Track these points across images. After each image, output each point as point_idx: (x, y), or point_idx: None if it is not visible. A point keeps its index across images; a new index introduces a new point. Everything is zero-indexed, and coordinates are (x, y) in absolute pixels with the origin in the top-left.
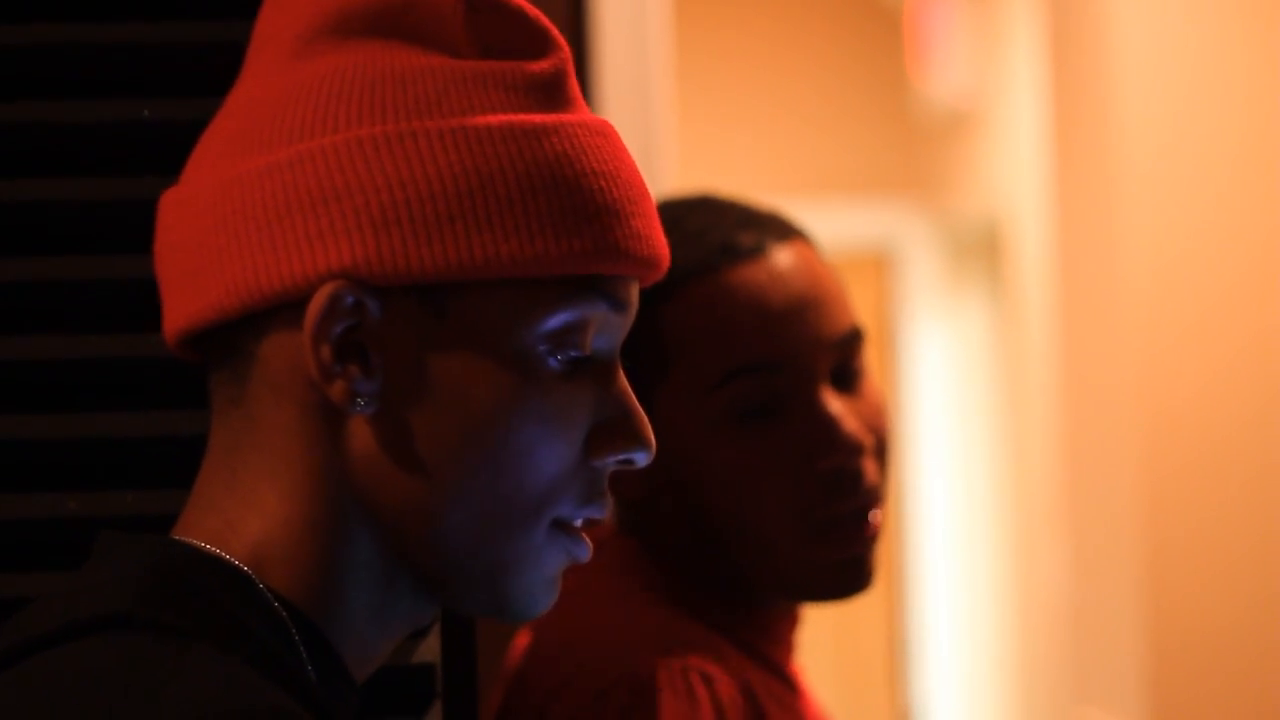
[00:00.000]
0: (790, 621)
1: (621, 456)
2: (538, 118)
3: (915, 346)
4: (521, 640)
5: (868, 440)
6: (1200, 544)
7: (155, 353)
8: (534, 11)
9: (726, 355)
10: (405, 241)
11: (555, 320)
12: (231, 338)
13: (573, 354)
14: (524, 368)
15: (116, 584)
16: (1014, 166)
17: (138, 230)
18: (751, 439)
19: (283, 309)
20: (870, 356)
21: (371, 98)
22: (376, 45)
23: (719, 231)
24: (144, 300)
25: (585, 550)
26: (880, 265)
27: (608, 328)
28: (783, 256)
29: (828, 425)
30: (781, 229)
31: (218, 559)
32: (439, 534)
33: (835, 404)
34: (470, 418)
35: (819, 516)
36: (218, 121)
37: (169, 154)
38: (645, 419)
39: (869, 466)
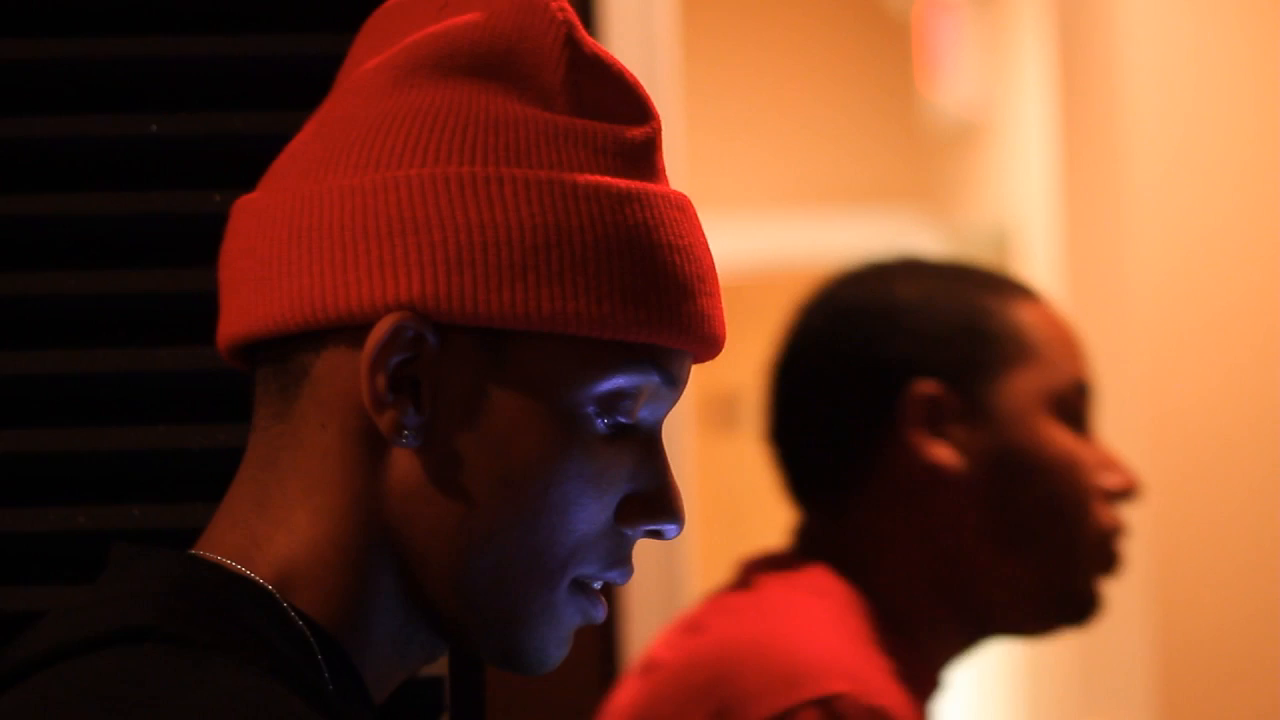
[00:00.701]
0: (933, 682)
1: (653, 527)
2: (623, 183)
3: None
4: (676, 636)
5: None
6: (1208, 553)
7: (163, 367)
8: (633, 78)
9: (1078, 368)
10: (475, 283)
11: (609, 384)
12: (287, 352)
13: (620, 419)
14: (571, 425)
15: (138, 597)
16: (1022, 178)
17: (147, 245)
18: (1072, 442)
19: (343, 331)
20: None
21: (464, 138)
22: (475, 86)
23: (995, 273)
24: (151, 315)
25: (601, 612)
26: None
27: (657, 399)
28: (1027, 312)
29: (1109, 450)
30: (1020, 288)
31: (241, 575)
32: (462, 575)
33: (1066, 439)
34: (512, 465)
35: (1107, 529)
36: (305, 135)
37: (174, 168)
38: (680, 494)
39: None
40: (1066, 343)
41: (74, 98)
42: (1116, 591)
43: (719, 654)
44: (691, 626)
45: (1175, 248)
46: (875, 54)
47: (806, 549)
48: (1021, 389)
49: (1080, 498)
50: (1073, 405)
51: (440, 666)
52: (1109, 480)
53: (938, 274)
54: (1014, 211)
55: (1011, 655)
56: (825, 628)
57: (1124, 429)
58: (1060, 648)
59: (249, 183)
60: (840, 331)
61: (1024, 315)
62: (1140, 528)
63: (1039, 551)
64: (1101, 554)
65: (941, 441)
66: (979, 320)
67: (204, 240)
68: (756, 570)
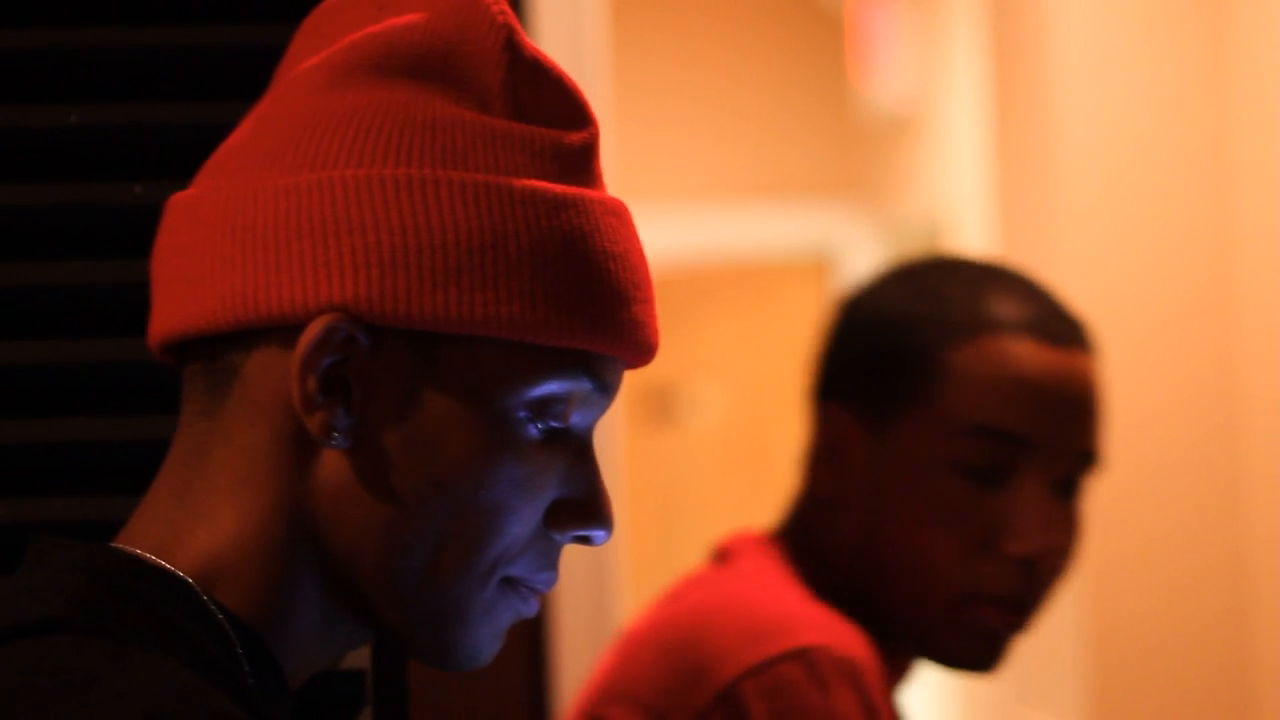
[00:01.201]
0: (901, 667)
1: (581, 532)
2: (559, 188)
3: (1067, 467)
4: (653, 610)
5: (1052, 552)
6: (1142, 548)
7: (84, 359)
8: (572, 83)
9: (985, 410)
10: (409, 286)
11: (541, 389)
12: (217, 350)
13: (552, 424)
14: (502, 429)
15: (54, 589)
16: (955, 170)
17: (66, 237)
18: (962, 495)
19: (275, 331)
20: (810, 359)
21: (400, 139)
22: (413, 88)
23: (1042, 307)
24: (72, 306)
25: (534, 608)
26: (821, 269)
27: (589, 405)
28: (1079, 359)
29: (1034, 516)
30: (1086, 335)
31: (159, 568)
32: (390, 576)
33: (1048, 507)
34: (442, 468)
35: (980, 591)
36: (241, 132)
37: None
38: (610, 500)
39: (1044, 569)
40: (1000, 387)
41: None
42: None
43: (692, 617)
44: (667, 598)
45: (1107, 241)
46: (808, 46)
47: (783, 525)
48: (917, 429)
49: (928, 554)
50: (985, 454)
51: (363, 659)
52: (1007, 545)
53: (919, 290)
54: (947, 204)
55: None
56: (795, 589)
57: None
58: None
59: (170, 174)
60: (829, 321)
61: (962, 351)
62: None
63: (889, 583)
64: (971, 607)
65: (836, 464)
66: (901, 349)
67: (124, 232)
68: (731, 546)
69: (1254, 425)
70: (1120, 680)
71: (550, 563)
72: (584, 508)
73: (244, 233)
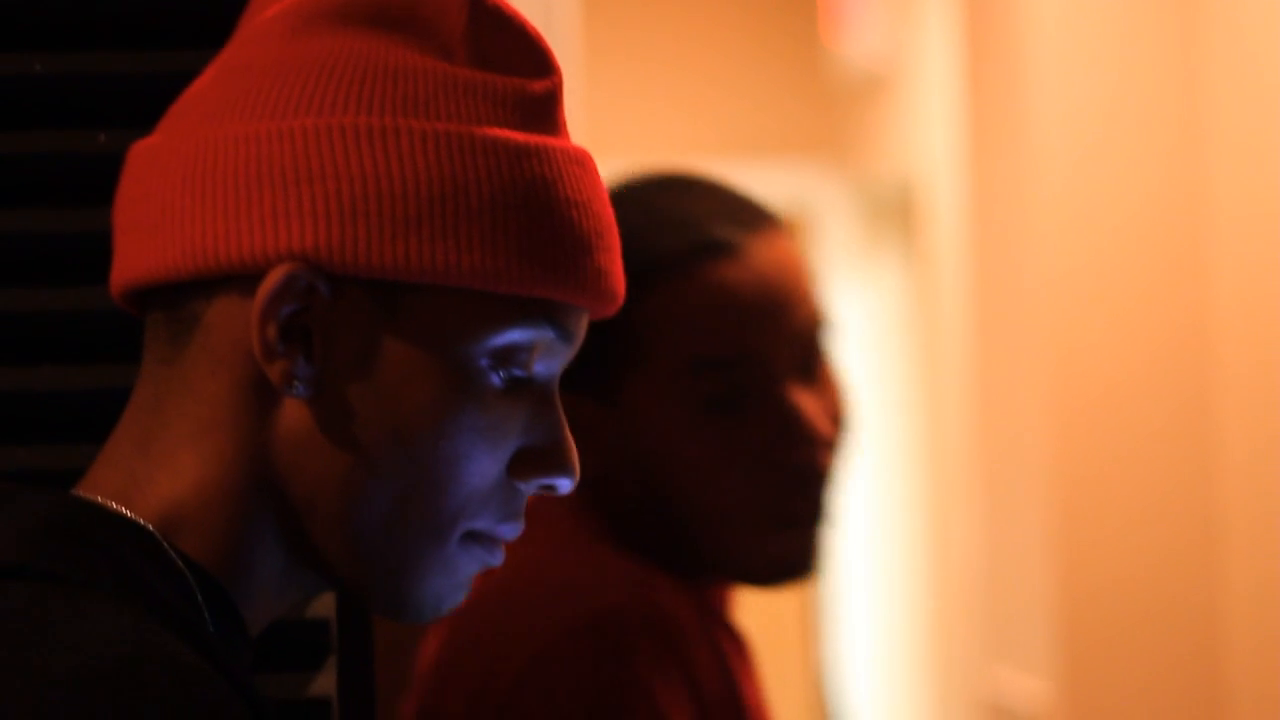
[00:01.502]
0: (724, 593)
1: (545, 481)
2: (521, 136)
3: (828, 309)
4: None
5: (831, 433)
6: (1111, 504)
7: (47, 307)
8: (535, 31)
9: (694, 347)
10: (370, 235)
11: (503, 338)
12: (178, 299)
13: (515, 372)
14: (464, 378)
15: (9, 535)
16: (928, 129)
17: (30, 184)
18: (717, 431)
19: (236, 280)
20: None
21: (360, 88)
22: (375, 37)
23: (699, 224)
24: (34, 255)
25: (499, 557)
26: (793, 228)
27: (552, 354)
28: (758, 252)
29: (792, 420)
30: (758, 220)
31: (118, 514)
32: (350, 526)
33: (800, 398)
34: (403, 417)
35: (779, 510)
36: (204, 80)
37: (58, 108)
38: (573, 447)
39: (830, 459)
40: (702, 319)
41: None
42: (1020, 544)
43: (496, 591)
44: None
45: (1080, 199)
46: (781, 4)
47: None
48: (647, 389)
49: (719, 500)
50: (719, 384)
51: (328, 608)
52: (791, 458)
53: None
54: (919, 164)
55: (918, 604)
56: (583, 547)
57: (1026, 380)
58: (966, 598)
59: (134, 123)
60: None
61: (650, 301)
62: (1045, 482)
63: (693, 534)
64: (777, 526)
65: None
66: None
67: (88, 180)
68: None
69: (1225, 389)
70: (1090, 636)
71: (514, 513)
72: (547, 456)
73: (204, 181)
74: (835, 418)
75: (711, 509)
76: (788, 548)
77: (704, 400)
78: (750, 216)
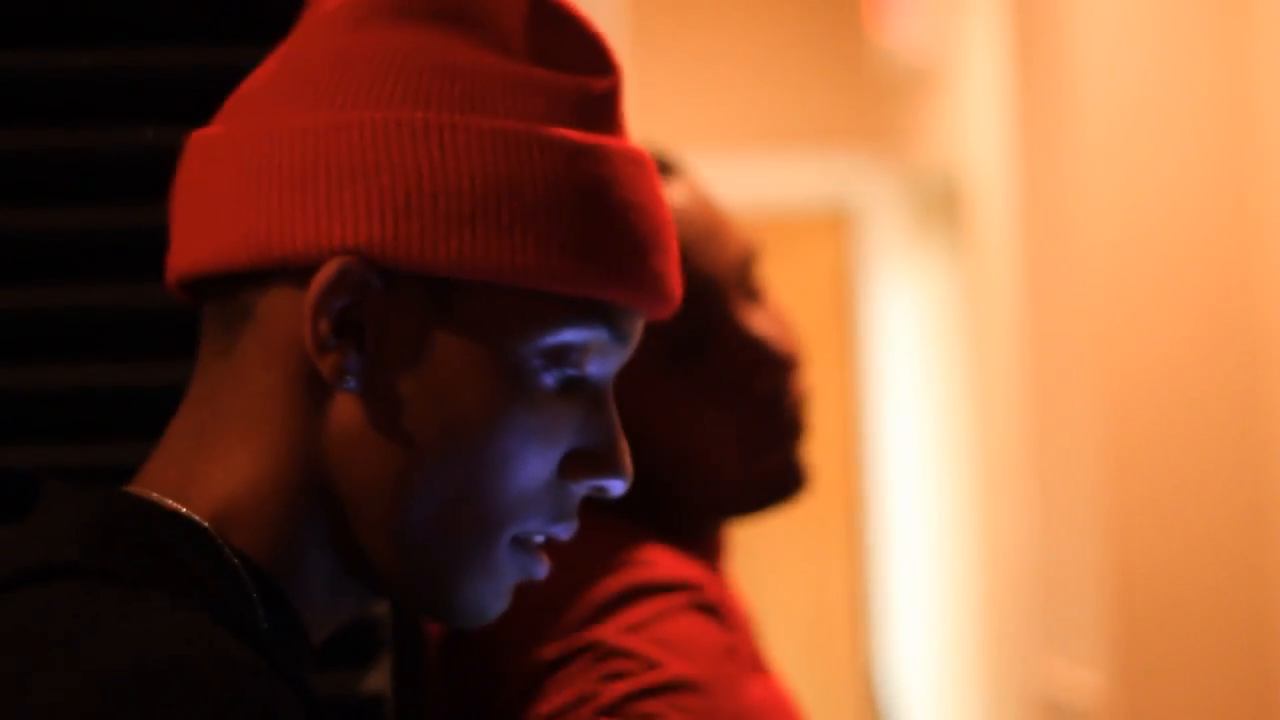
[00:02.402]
0: (723, 547)
1: (597, 482)
2: (579, 135)
3: (876, 304)
4: None
5: (791, 349)
6: (1164, 496)
7: (97, 304)
8: (595, 28)
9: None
10: (424, 231)
11: (556, 338)
12: (233, 289)
13: (569, 372)
14: (517, 377)
15: (65, 533)
16: (975, 121)
17: (79, 181)
18: (684, 376)
19: (289, 272)
20: (830, 315)
21: (419, 82)
22: (434, 31)
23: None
24: (84, 251)
25: (543, 569)
26: (840, 222)
27: (606, 355)
28: (675, 194)
29: (755, 347)
30: (663, 166)
31: (174, 512)
32: (399, 524)
33: (760, 323)
34: (454, 415)
35: (758, 437)
36: (264, 71)
37: (107, 103)
38: (626, 449)
39: (794, 374)
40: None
41: (6, 32)
42: (1074, 536)
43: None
44: None
45: (1129, 191)
46: None
47: None
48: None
49: (716, 450)
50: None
51: (381, 607)
52: (758, 387)
53: None
54: (966, 156)
55: (970, 597)
56: (601, 525)
57: (1076, 372)
58: (1019, 590)
59: (182, 118)
60: None
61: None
62: (1097, 473)
63: (676, 484)
64: (760, 453)
65: None
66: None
67: (136, 176)
68: None
69: (1276, 370)
70: (1144, 627)
71: (566, 513)
72: (599, 458)
73: (261, 172)
74: (787, 332)
75: (691, 455)
76: (772, 471)
77: (665, 352)
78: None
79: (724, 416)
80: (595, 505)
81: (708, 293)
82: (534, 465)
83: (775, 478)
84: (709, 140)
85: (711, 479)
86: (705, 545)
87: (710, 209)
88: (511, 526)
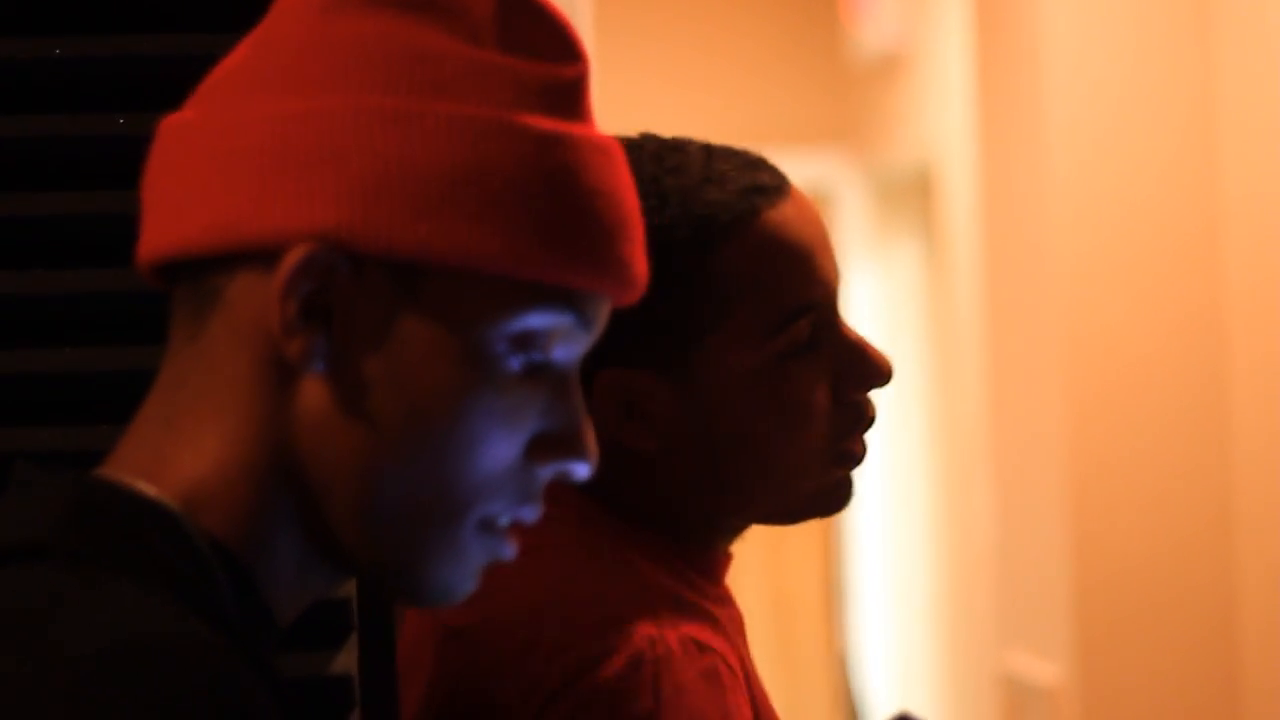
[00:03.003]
0: (728, 561)
1: (562, 465)
2: (546, 123)
3: (845, 292)
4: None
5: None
6: (1126, 487)
7: (69, 289)
8: (563, 17)
9: (786, 297)
10: (391, 216)
11: (521, 323)
12: (202, 274)
13: (534, 357)
14: (482, 361)
15: (33, 515)
16: (943, 113)
17: (51, 168)
18: (792, 376)
19: (257, 257)
20: None
21: (387, 69)
22: (403, 18)
23: (739, 174)
24: (55, 237)
25: (509, 550)
26: None
27: (571, 340)
28: (795, 192)
29: (864, 354)
30: (780, 184)
31: (142, 495)
32: (366, 507)
33: (858, 333)
34: (420, 399)
35: (845, 443)
36: (235, 57)
37: (78, 91)
38: (591, 433)
39: (874, 397)
40: (787, 267)
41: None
42: (1035, 527)
43: (496, 610)
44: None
45: (1094, 180)
46: None
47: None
48: (725, 351)
49: (799, 449)
50: (806, 331)
51: (348, 588)
52: (856, 393)
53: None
54: (935, 146)
55: (931, 591)
56: (602, 562)
57: (1041, 363)
58: (981, 581)
59: (153, 105)
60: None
61: (718, 262)
62: (1059, 463)
63: (755, 486)
64: (840, 460)
65: (643, 422)
66: (657, 294)
67: (108, 163)
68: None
69: (1239, 373)
70: (1104, 619)
71: (532, 496)
72: (564, 441)
73: (229, 157)
74: (880, 351)
75: (782, 453)
76: (840, 484)
77: (789, 351)
78: (759, 159)
79: (819, 419)
80: (580, 493)
81: (828, 300)
82: (499, 449)
83: (838, 489)
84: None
85: (792, 483)
86: (717, 557)
87: (818, 217)
88: (477, 509)
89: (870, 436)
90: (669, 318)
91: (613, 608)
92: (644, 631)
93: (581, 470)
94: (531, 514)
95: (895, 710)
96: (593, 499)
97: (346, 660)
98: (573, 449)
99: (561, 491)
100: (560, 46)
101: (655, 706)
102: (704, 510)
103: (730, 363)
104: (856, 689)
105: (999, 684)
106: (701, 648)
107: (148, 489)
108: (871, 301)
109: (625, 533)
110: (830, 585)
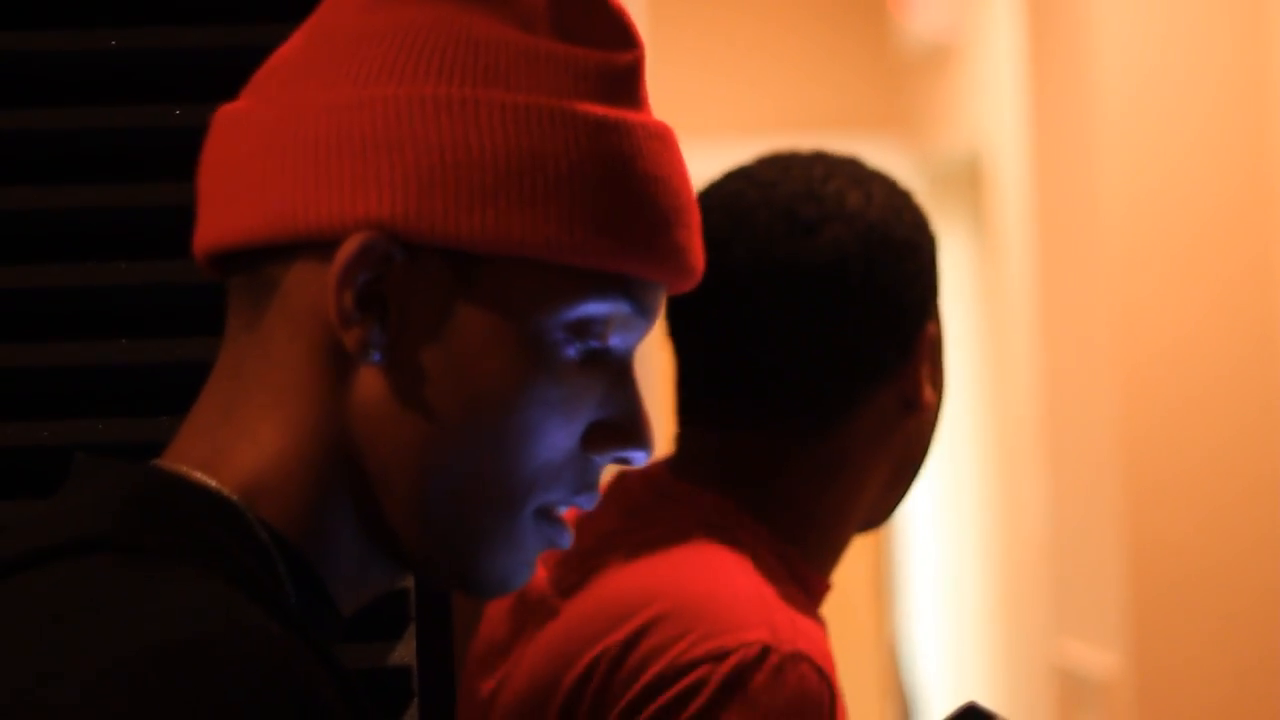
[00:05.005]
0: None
1: (620, 453)
2: (602, 110)
3: None
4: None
5: None
6: (1178, 474)
7: (124, 281)
8: (617, 4)
9: (938, 355)
10: (447, 205)
11: (578, 311)
12: (258, 264)
13: (591, 345)
14: (539, 350)
15: (96, 508)
16: (994, 101)
17: (107, 160)
18: (917, 417)
19: (314, 246)
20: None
21: (442, 58)
22: (457, 7)
23: (926, 218)
24: (112, 229)
25: (567, 538)
26: None
27: (628, 328)
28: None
29: (940, 366)
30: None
31: (203, 486)
32: (423, 496)
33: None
34: (477, 388)
35: (915, 456)
36: (290, 46)
37: (134, 83)
38: (649, 421)
39: None
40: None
41: (33, 14)
42: (1088, 515)
43: (630, 601)
44: (583, 564)
45: (1145, 169)
46: None
47: (702, 471)
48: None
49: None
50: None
51: (407, 579)
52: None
53: (885, 190)
54: (985, 135)
55: (983, 580)
56: (738, 570)
57: (1093, 351)
58: (1034, 570)
59: (209, 97)
60: (854, 263)
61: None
62: (1112, 451)
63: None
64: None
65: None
66: (935, 255)
67: (165, 155)
68: (643, 495)
69: None
70: (1157, 607)
71: (589, 484)
72: (622, 429)
73: (285, 147)
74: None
75: (895, 488)
76: (898, 499)
77: (881, 354)
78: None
79: (927, 449)
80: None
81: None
82: (556, 437)
83: (893, 506)
84: (727, 124)
85: (869, 496)
86: (828, 564)
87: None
88: (534, 498)
89: None
90: (832, 386)
91: (755, 603)
92: (781, 630)
93: (639, 458)
94: (589, 502)
95: (962, 702)
96: (734, 506)
97: (405, 651)
98: (631, 437)
99: (696, 492)
100: (615, 33)
101: (786, 705)
102: (859, 521)
103: (871, 425)
104: (908, 680)
105: (1053, 674)
106: (817, 667)
107: (208, 480)
108: None
109: (763, 535)
110: (881, 575)
